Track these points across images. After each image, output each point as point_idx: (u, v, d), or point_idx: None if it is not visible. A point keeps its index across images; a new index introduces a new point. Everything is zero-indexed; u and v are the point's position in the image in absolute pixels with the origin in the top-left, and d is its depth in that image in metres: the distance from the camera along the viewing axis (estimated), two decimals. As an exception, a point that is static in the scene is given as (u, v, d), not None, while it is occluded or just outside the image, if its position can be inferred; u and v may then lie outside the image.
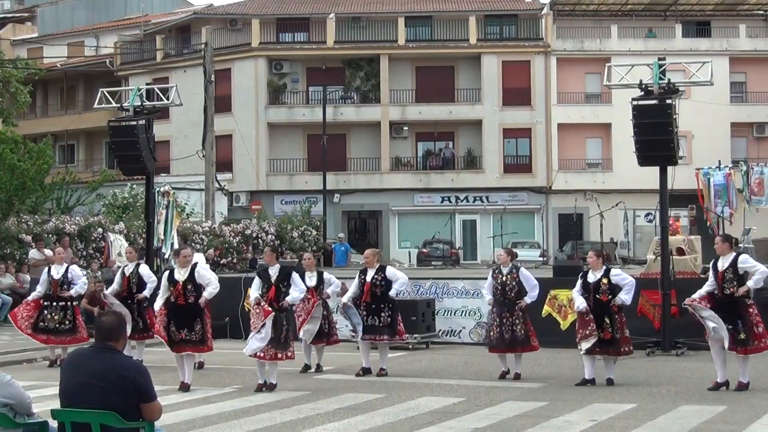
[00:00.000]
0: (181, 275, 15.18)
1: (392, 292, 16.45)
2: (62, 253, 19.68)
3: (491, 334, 16.00)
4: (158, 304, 15.35)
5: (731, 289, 14.24)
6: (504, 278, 15.88)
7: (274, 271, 15.00)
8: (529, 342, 15.78)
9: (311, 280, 17.10)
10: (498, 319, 15.79)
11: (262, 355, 14.51)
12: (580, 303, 15.11)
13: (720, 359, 14.35)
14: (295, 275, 15.15)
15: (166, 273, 15.66)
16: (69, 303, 18.64)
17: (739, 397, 13.56)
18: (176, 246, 24.20)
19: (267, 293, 14.83)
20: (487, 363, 15.92)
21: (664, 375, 15.98)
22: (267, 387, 14.64)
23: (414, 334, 20.03)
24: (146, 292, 17.76)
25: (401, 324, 16.83)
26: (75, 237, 29.79)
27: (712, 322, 14.08)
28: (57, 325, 18.42)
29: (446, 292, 21.68)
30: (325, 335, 17.16)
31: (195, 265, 15.38)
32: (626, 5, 57.15)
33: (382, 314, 16.37)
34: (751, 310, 14.26)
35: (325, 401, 13.66)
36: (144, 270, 18.21)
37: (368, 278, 16.48)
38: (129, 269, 18.32)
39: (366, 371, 16.46)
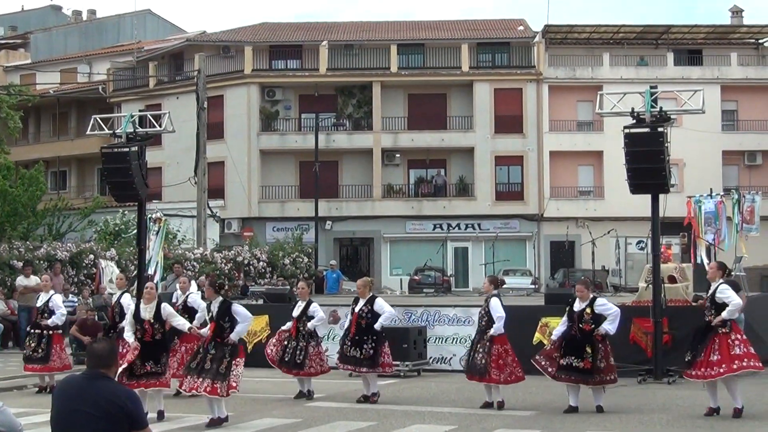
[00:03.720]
0: (147, 313, 14.51)
1: (377, 326, 16.24)
2: (47, 281, 19.42)
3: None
4: (130, 339, 14.56)
5: (709, 317, 14.41)
6: (482, 306, 15.91)
7: (214, 307, 14.20)
8: (486, 373, 15.29)
9: (297, 309, 16.98)
10: (471, 345, 15.80)
11: (195, 386, 13.80)
12: (555, 334, 15.45)
13: (711, 386, 14.41)
14: (235, 307, 14.30)
15: (132, 308, 15.02)
16: (45, 332, 18.47)
17: (731, 426, 13.53)
18: (155, 273, 24.05)
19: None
20: (479, 391, 15.87)
21: (656, 403, 15.95)
22: (215, 422, 13.87)
23: (405, 362, 19.98)
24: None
25: (388, 356, 16.46)
26: (66, 263, 29.76)
27: None
28: (31, 353, 18.35)
29: (438, 320, 21.61)
30: (299, 366, 16.71)
31: (160, 302, 14.71)
32: (618, 33, 57.47)
33: (365, 346, 16.17)
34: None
35: (316, 429, 13.61)
36: (125, 300, 17.37)
37: (356, 309, 16.42)
38: (115, 298, 18.18)
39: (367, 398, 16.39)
